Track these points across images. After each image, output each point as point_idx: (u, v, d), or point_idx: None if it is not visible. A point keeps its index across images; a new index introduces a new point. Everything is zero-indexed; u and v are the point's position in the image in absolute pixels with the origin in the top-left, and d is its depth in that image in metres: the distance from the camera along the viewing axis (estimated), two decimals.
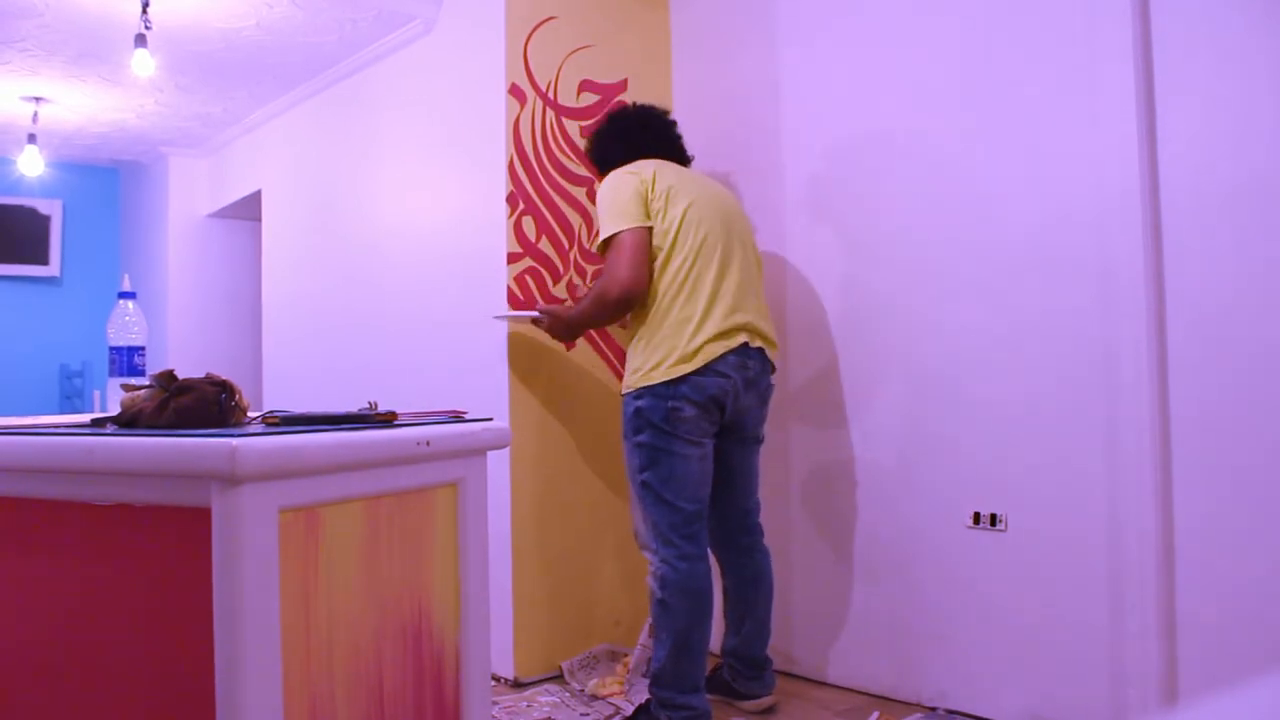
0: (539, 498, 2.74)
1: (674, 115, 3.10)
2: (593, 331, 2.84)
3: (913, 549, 2.46)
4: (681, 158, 2.50)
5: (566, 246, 2.85)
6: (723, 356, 2.20)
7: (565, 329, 2.46)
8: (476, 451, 1.51)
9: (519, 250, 2.74)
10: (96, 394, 4.75)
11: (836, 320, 2.64)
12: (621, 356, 2.90)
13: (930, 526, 2.42)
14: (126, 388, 1.44)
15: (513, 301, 2.71)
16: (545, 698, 2.56)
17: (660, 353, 2.20)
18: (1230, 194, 1.94)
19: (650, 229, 2.25)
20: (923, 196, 2.44)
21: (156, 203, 4.79)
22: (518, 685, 2.64)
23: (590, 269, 2.90)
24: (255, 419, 1.43)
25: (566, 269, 2.84)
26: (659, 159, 2.41)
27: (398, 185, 3.26)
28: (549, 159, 2.82)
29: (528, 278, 2.75)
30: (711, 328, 2.20)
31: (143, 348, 1.92)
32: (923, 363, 2.45)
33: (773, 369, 2.36)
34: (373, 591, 1.32)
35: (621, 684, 2.60)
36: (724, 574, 2.46)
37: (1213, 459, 1.96)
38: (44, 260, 5.01)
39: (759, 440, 2.42)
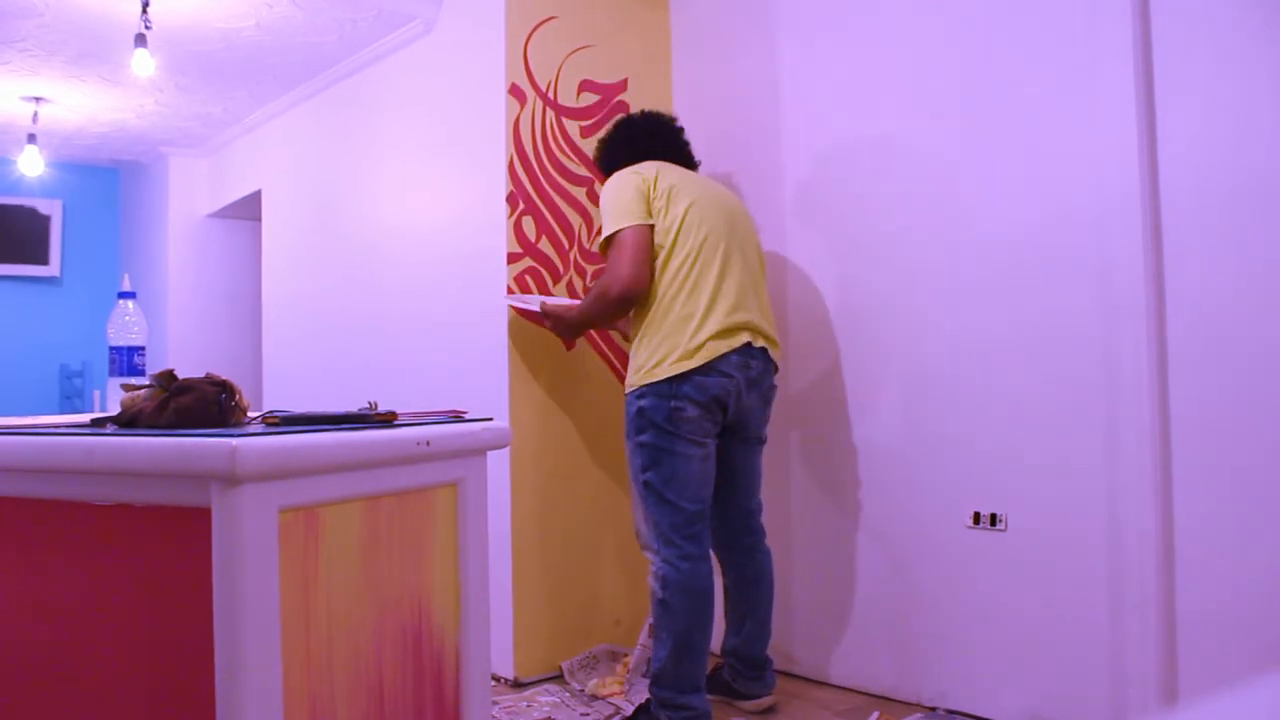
0: (539, 498, 2.74)
1: (674, 115, 3.11)
2: (593, 331, 2.84)
3: (913, 549, 2.46)
4: (688, 163, 2.51)
5: (566, 246, 2.85)
6: (725, 356, 2.20)
7: (567, 328, 2.48)
8: (476, 451, 1.51)
9: (519, 250, 2.74)
10: (96, 394, 4.75)
11: (836, 320, 2.64)
12: (621, 356, 2.90)
13: (930, 526, 2.42)
14: (126, 388, 1.44)
15: (521, 285, 2.71)
16: (545, 698, 2.56)
17: (663, 350, 2.20)
18: (1230, 194, 1.94)
19: (652, 227, 2.26)
20: (923, 196, 2.44)
21: (156, 203, 4.79)
22: (518, 685, 2.64)
23: (590, 269, 2.90)
24: (255, 419, 1.43)
25: (566, 269, 2.84)
26: (665, 163, 2.42)
27: (398, 185, 3.26)
28: (549, 159, 2.82)
29: (528, 278, 2.75)
30: (713, 325, 2.20)
31: (143, 348, 1.92)
32: (923, 362, 2.45)
33: (775, 369, 2.36)
34: (373, 591, 1.32)
35: (621, 684, 2.60)
36: (725, 573, 2.46)
37: (1213, 459, 1.96)
38: (44, 260, 5.01)
39: (762, 441, 2.42)
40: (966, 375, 2.35)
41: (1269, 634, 1.87)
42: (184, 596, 1.18)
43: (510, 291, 2.70)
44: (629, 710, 2.39)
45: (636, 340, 2.29)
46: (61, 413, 3.82)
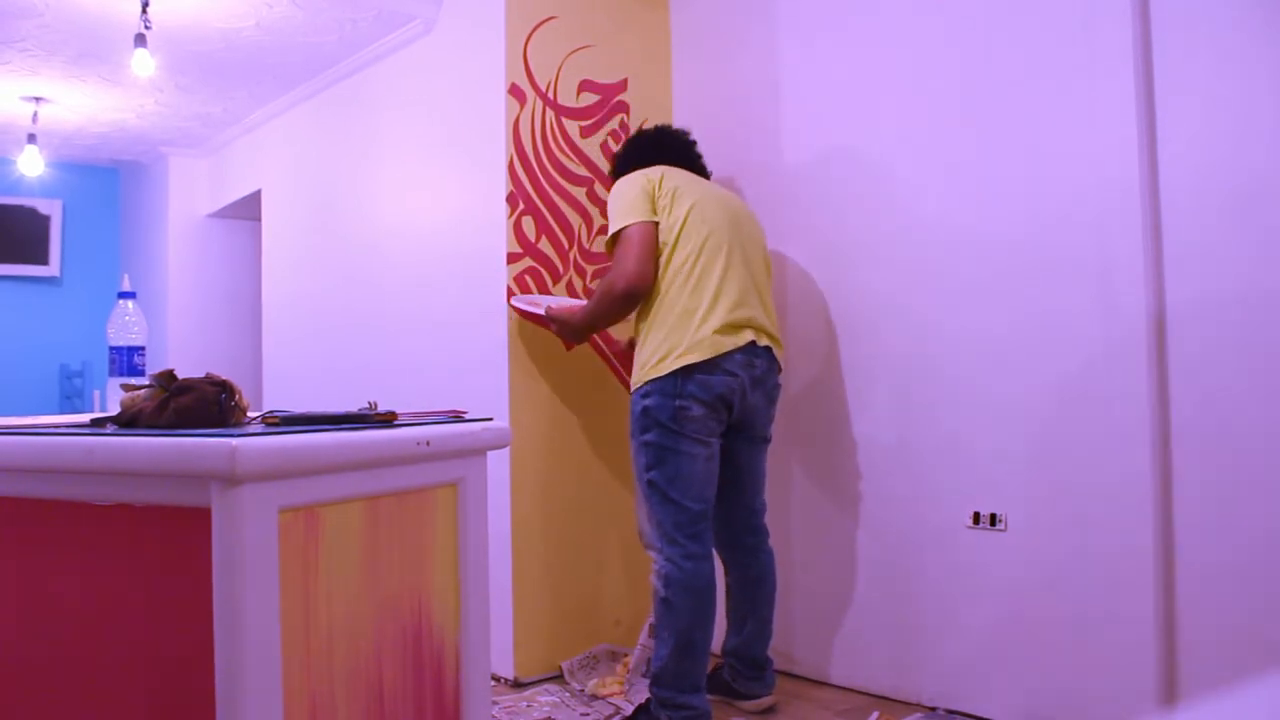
0: (539, 497, 2.74)
1: (674, 115, 3.11)
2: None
3: (913, 549, 2.46)
4: (700, 173, 2.53)
5: (566, 246, 2.85)
6: (730, 354, 2.20)
7: (573, 332, 2.47)
8: (476, 451, 1.51)
9: (519, 250, 2.74)
10: (96, 394, 4.76)
11: (836, 320, 2.64)
12: (621, 356, 2.90)
13: (930, 526, 2.42)
14: (126, 387, 1.44)
15: (521, 285, 2.72)
16: (545, 698, 2.56)
17: (667, 345, 2.21)
18: (1231, 194, 1.94)
19: (656, 224, 2.27)
20: (922, 196, 2.44)
21: (156, 203, 4.79)
22: (518, 685, 2.64)
23: (590, 269, 2.90)
24: (255, 419, 1.43)
25: (566, 269, 2.84)
26: (673, 167, 2.43)
27: (398, 185, 3.26)
28: (549, 159, 2.82)
29: (528, 278, 2.75)
30: (717, 320, 2.20)
31: (143, 348, 1.92)
32: (923, 363, 2.45)
33: (779, 368, 2.37)
34: (373, 591, 1.32)
35: (621, 684, 2.60)
36: (728, 573, 2.46)
37: (1213, 459, 1.96)
38: (44, 260, 5.01)
39: (766, 440, 2.42)
40: (967, 375, 2.35)
41: (1270, 634, 1.87)
42: (184, 596, 1.18)
43: (512, 294, 2.70)
44: (629, 710, 2.39)
45: (641, 338, 2.30)
46: (61, 413, 3.82)
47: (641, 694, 2.44)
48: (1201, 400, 1.98)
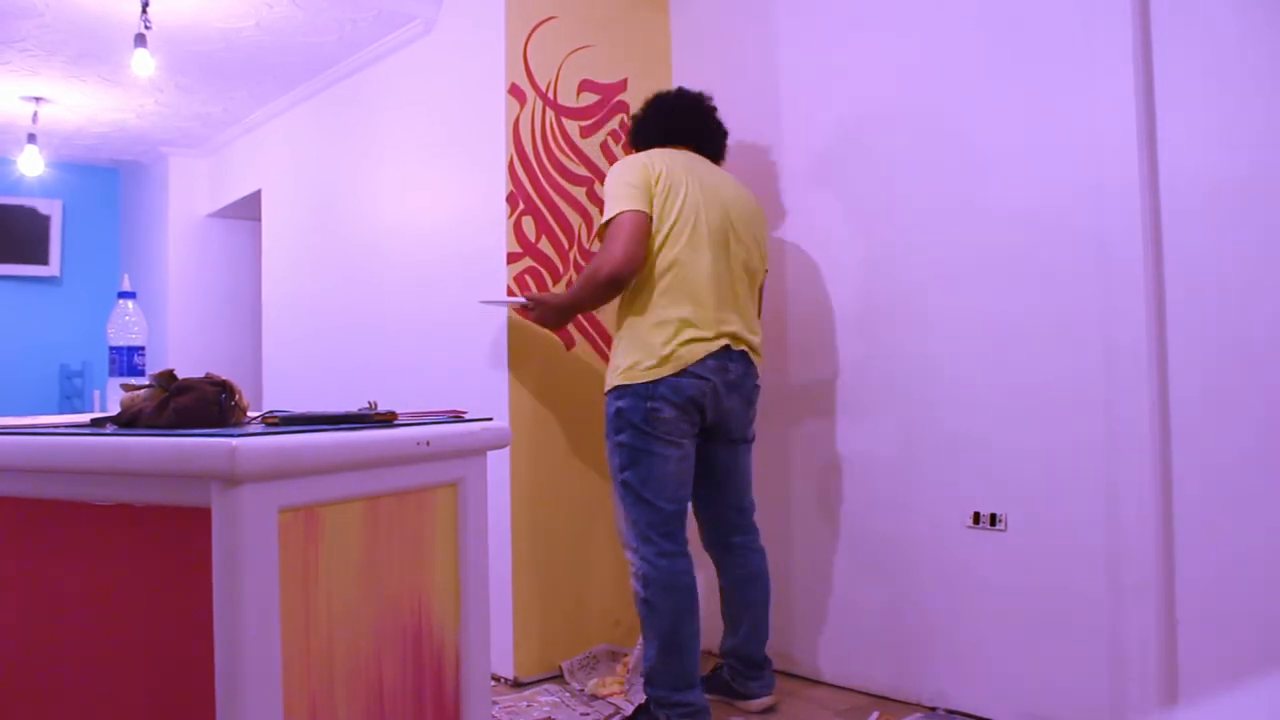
0: (539, 497, 2.74)
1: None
2: (592, 330, 2.84)
3: (913, 549, 2.46)
4: (716, 144, 2.49)
5: (566, 246, 2.85)
6: (702, 360, 2.20)
7: (554, 314, 2.45)
8: (476, 451, 1.51)
9: (519, 250, 2.74)
10: (96, 394, 4.75)
11: (836, 319, 2.64)
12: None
13: (930, 526, 2.42)
14: (126, 387, 1.44)
15: (521, 285, 2.72)
16: (545, 697, 2.56)
17: (639, 353, 2.21)
18: (1231, 189, 1.94)
19: (650, 217, 2.25)
20: (922, 196, 2.44)
21: (156, 203, 4.79)
22: (518, 685, 2.64)
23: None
24: (255, 419, 1.43)
25: (566, 269, 2.84)
26: (688, 148, 2.41)
27: (398, 185, 3.26)
28: (549, 159, 2.81)
29: (528, 277, 2.75)
30: (691, 332, 2.20)
31: (142, 347, 1.92)
32: (923, 362, 2.44)
33: (757, 372, 2.36)
34: (373, 591, 1.32)
35: (621, 683, 2.60)
36: (719, 574, 2.46)
37: (1213, 459, 1.96)
38: (44, 260, 5.01)
39: (747, 441, 2.41)
40: (967, 375, 2.35)
41: (1270, 634, 1.87)
42: (184, 597, 1.18)
43: (511, 293, 2.70)
44: (629, 710, 2.39)
45: (615, 340, 2.30)
46: (61, 413, 3.82)
47: (641, 694, 2.44)
48: (1202, 400, 1.98)
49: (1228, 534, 1.93)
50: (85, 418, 1.60)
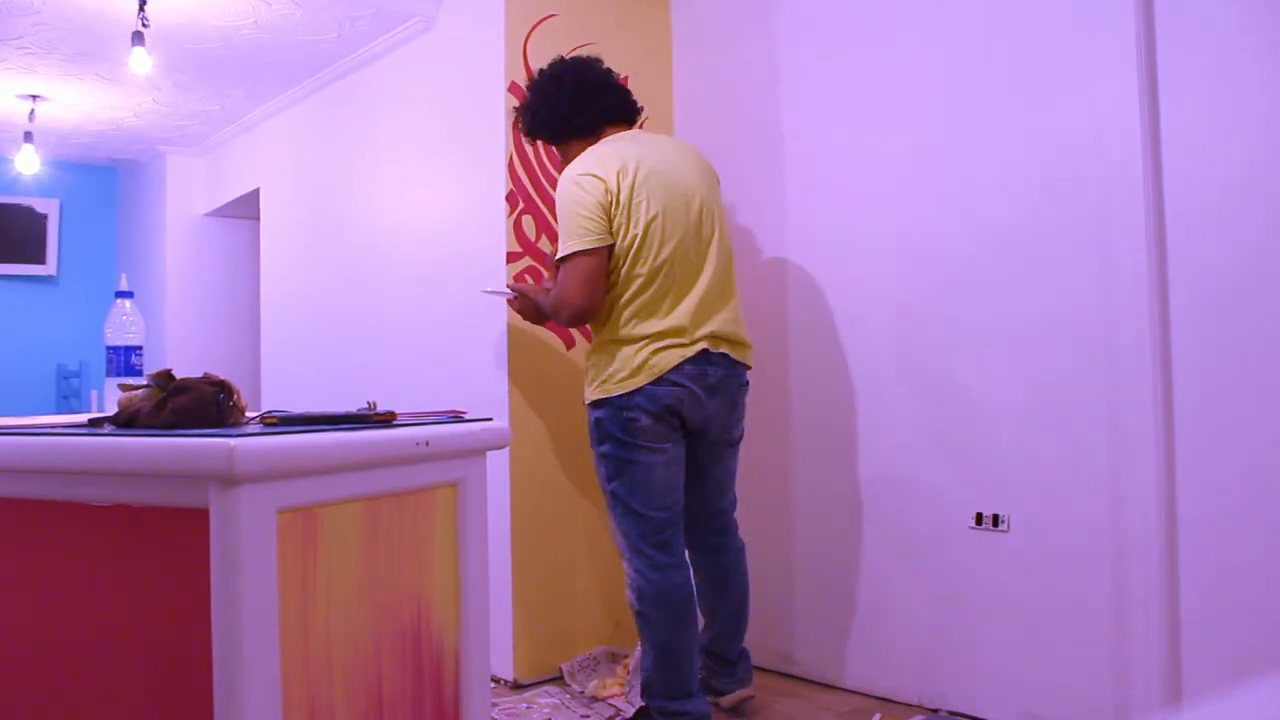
0: (539, 498, 2.73)
1: (675, 112, 3.10)
2: (592, 331, 2.83)
3: (915, 550, 2.45)
4: (630, 114, 2.38)
5: None
6: (679, 366, 2.16)
7: (533, 313, 2.44)
8: (476, 451, 1.50)
9: (519, 249, 2.73)
10: (94, 394, 4.75)
11: (837, 319, 2.64)
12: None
13: (932, 527, 2.41)
14: (124, 387, 1.43)
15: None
16: (545, 699, 2.55)
17: (614, 365, 2.18)
18: (1235, 188, 1.93)
19: (611, 246, 2.18)
20: (922, 195, 2.44)
21: (154, 201, 4.78)
22: (517, 687, 2.64)
23: None
24: (253, 419, 1.42)
25: None
26: (622, 126, 2.33)
27: (397, 184, 3.25)
28: (549, 158, 2.80)
29: (527, 277, 2.74)
30: (665, 340, 2.16)
31: (140, 347, 1.91)
32: (924, 363, 2.44)
33: (744, 368, 2.30)
34: (372, 592, 1.31)
35: (622, 685, 2.59)
36: (696, 572, 2.44)
37: (1216, 460, 1.95)
38: (41, 259, 5.00)
39: (732, 443, 2.37)
40: (969, 376, 2.34)
41: (1273, 634, 1.86)
42: (182, 597, 1.17)
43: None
44: (629, 712, 2.39)
45: (591, 350, 2.28)
46: (58, 413, 3.81)
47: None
48: (1205, 400, 1.97)
49: (1231, 534, 1.93)
50: (83, 418, 1.59)
